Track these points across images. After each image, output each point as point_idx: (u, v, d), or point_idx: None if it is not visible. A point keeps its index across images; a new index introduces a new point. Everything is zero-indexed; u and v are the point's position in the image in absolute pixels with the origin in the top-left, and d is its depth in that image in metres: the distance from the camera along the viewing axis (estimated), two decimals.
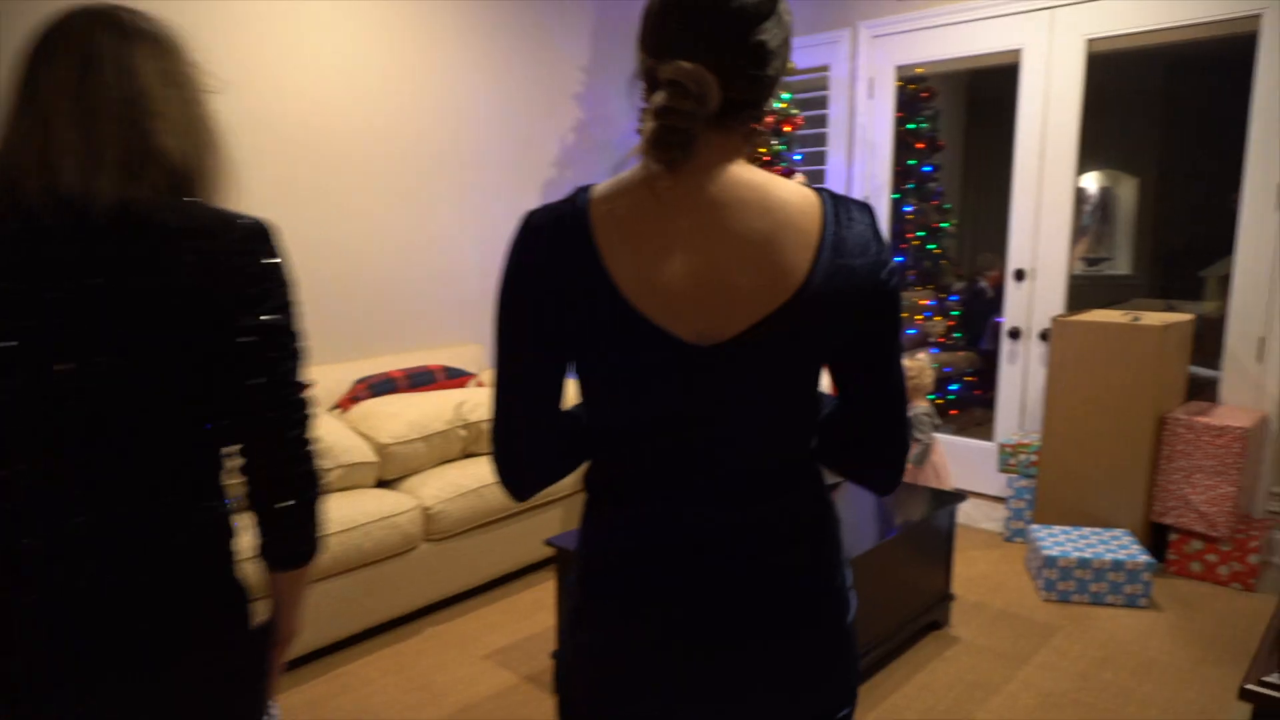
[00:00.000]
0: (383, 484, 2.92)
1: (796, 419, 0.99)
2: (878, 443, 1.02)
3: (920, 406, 3.38)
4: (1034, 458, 3.52)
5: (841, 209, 0.93)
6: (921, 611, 2.68)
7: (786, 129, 3.77)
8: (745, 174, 0.92)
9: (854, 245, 0.91)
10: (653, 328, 0.89)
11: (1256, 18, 3.21)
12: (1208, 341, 3.62)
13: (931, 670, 2.51)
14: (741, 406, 0.94)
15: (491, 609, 2.96)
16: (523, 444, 0.98)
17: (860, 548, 2.39)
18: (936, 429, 3.43)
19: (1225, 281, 4.20)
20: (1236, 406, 3.32)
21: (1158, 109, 5.23)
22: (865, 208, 0.96)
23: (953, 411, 4.77)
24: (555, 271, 0.91)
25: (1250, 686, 1.14)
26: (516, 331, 0.95)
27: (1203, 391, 3.57)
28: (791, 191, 0.93)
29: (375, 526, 2.66)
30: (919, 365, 3.42)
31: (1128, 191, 5.33)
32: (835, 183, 4.28)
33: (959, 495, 2.84)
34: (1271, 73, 3.19)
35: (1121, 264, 5.29)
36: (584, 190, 0.95)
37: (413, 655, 2.67)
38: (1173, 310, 3.79)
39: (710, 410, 0.93)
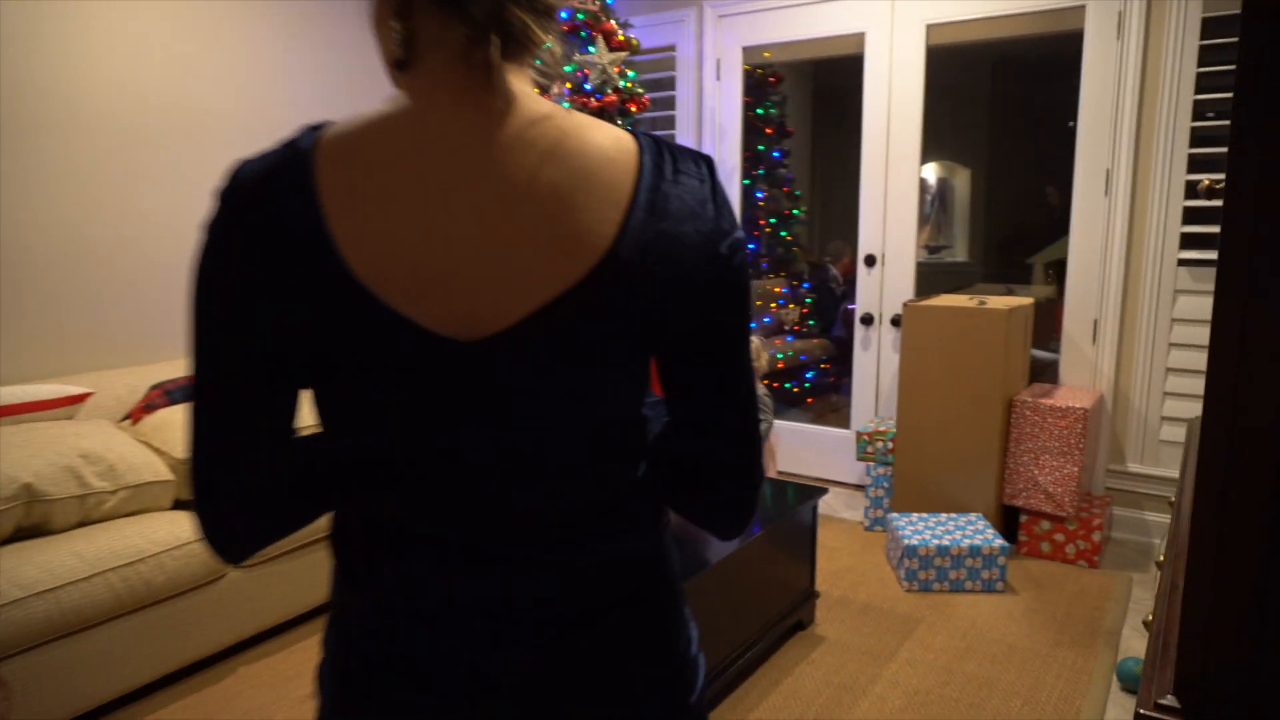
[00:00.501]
0: (181, 505, 2.52)
1: (613, 438, 0.74)
2: (723, 471, 0.79)
3: (758, 388, 3.35)
4: (891, 445, 3.49)
5: (667, 160, 0.71)
6: (786, 612, 2.56)
7: (632, 109, 3.59)
8: (537, 106, 0.68)
9: (681, 207, 0.69)
10: (394, 316, 0.63)
11: (1081, 9, 3.28)
12: (1040, 325, 3.72)
13: (799, 675, 2.39)
14: (531, 423, 0.69)
15: (316, 641, 2.62)
16: (234, 490, 0.70)
17: (721, 551, 2.24)
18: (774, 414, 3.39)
19: (1053, 268, 4.37)
20: (1076, 387, 3.41)
21: (986, 105, 5.43)
22: (702, 161, 0.74)
23: (809, 400, 4.78)
24: (265, 244, 0.64)
25: (1145, 711, 1.01)
26: (218, 333, 0.67)
27: (1043, 374, 3.67)
28: (600, 135, 0.69)
29: (169, 556, 2.27)
30: (754, 347, 3.38)
31: (962, 183, 5.50)
32: None
33: (820, 489, 2.73)
34: (1096, 62, 3.27)
35: (960, 251, 5.45)
36: (314, 129, 0.68)
37: (223, 701, 2.31)
38: (1012, 295, 3.87)
39: (487, 430, 0.68)
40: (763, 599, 2.46)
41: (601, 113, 3.45)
